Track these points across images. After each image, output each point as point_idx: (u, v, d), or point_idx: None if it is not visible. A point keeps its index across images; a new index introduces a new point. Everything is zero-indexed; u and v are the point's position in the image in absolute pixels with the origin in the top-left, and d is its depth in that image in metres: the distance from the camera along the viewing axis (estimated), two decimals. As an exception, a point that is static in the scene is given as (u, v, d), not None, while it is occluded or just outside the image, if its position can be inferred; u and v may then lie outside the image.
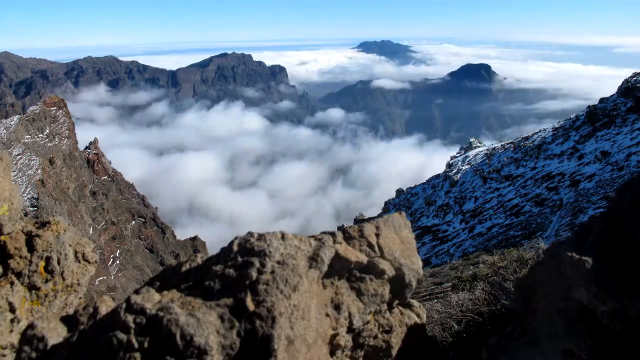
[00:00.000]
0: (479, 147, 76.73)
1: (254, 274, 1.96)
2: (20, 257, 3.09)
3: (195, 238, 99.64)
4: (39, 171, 65.51)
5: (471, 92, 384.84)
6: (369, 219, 2.74)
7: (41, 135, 74.67)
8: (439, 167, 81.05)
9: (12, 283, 3.04)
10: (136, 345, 1.72)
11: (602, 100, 55.50)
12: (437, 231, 52.98)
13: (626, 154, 42.81)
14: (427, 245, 49.35)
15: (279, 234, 2.17)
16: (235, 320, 1.83)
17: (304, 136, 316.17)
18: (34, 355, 1.96)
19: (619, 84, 55.55)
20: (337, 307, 2.17)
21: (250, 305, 1.86)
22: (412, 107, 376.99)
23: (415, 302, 2.66)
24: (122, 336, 1.74)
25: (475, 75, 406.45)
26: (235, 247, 2.12)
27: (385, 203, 74.67)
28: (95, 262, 3.57)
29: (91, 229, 73.86)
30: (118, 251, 78.49)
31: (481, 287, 5.25)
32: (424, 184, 74.64)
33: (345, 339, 2.23)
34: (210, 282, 1.99)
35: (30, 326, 2.05)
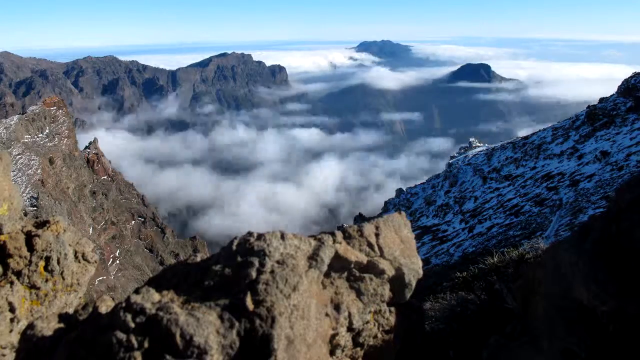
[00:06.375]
0: (478, 146, 76.80)
1: (254, 274, 1.96)
2: (20, 256, 3.09)
3: (195, 238, 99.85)
4: (39, 171, 65.51)
5: (471, 91, 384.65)
6: (369, 219, 2.75)
7: (41, 135, 74.68)
8: (439, 167, 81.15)
9: (12, 283, 3.04)
10: (136, 344, 1.72)
11: (601, 100, 55.50)
12: (436, 231, 52.95)
13: (626, 154, 42.78)
14: (427, 245, 49.28)
15: (278, 234, 2.17)
16: (234, 320, 1.83)
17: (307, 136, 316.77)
18: (33, 355, 1.96)
19: (619, 83, 55.61)
20: (337, 307, 2.17)
21: (250, 305, 1.86)
22: (412, 107, 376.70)
23: (415, 302, 2.66)
24: (122, 336, 1.74)
25: (475, 75, 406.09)
26: (234, 247, 2.12)
27: (385, 203, 74.70)
28: (95, 262, 3.57)
29: (91, 229, 73.85)
30: (118, 251, 78.54)
31: (481, 287, 5.25)
32: (423, 183, 74.68)
33: (345, 339, 2.23)
34: (210, 282, 1.99)
35: (30, 326, 2.05)
